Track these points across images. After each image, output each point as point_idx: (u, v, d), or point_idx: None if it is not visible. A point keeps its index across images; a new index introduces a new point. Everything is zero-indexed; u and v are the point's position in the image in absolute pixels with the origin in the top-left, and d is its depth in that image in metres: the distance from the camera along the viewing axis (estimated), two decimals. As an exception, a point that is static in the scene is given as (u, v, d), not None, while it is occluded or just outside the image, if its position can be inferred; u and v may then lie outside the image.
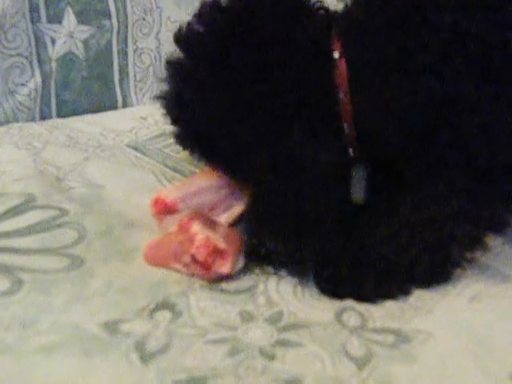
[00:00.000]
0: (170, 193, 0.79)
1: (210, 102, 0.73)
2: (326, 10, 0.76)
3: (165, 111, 0.80)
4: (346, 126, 0.73)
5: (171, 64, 0.77)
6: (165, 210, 0.78)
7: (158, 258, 0.75)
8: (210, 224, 0.75)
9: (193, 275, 0.74)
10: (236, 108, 0.72)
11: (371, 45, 0.70)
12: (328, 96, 0.72)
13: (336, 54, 0.72)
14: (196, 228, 0.74)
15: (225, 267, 0.72)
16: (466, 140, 0.69)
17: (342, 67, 0.72)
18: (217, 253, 0.72)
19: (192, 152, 0.81)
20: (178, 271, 0.74)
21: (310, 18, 0.74)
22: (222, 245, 0.72)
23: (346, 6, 0.76)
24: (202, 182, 0.81)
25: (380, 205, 0.76)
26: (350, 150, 0.75)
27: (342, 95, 0.72)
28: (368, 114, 0.72)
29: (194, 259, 0.72)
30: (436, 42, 0.68)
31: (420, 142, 0.71)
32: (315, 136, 0.71)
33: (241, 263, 0.74)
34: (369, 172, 0.78)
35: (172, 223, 0.77)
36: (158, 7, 1.17)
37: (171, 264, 0.75)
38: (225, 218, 0.79)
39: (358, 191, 0.78)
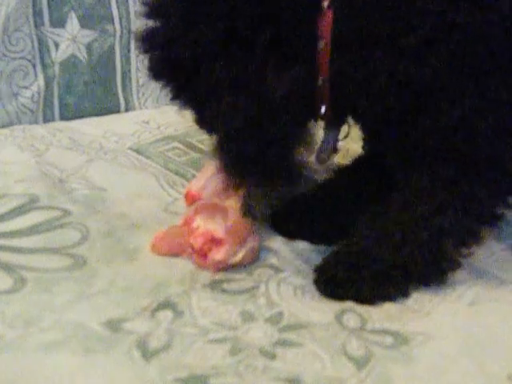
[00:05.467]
0: (195, 184, 0.84)
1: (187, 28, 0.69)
2: None
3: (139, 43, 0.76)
4: (320, 79, 0.71)
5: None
6: (193, 200, 0.83)
7: (164, 249, 0.79)
8: (217, 215, 0.77)
9: (194, 264, 0.76)
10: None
11: (359, 15, 0.68)
12: (307, 38, 0.70)
13: (325, 3, 0.70)
14: (198, 221, 0.77)
15: (219, 254, 0.75)
16: (446, 129, 0.69)
17: (328, 18, 0.69)
18: (213, 242, 0.75)
19: (166, 84, 0.75)
20: (181, 270, 0.76)
21: None
22: (219, 235, 0.75)
23: None
24: (214, 166, 0.83)
25: (373, 206, 0.77)
26: (323, 108, 0.73)
27: (322, 44, 0.70)
28: (345, 78, 0.70)
29: (193, 248, 0.76)
30: (421, 28, 0.66)
31: (399, 124, 0.70)
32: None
33: (239, 255, 0.76)
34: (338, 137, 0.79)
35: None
36: (160, 13, 1.18)
37: (176, 253, 0.78)
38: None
39: (324, 152, 0.79)
